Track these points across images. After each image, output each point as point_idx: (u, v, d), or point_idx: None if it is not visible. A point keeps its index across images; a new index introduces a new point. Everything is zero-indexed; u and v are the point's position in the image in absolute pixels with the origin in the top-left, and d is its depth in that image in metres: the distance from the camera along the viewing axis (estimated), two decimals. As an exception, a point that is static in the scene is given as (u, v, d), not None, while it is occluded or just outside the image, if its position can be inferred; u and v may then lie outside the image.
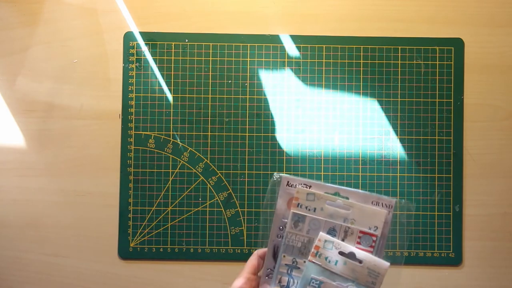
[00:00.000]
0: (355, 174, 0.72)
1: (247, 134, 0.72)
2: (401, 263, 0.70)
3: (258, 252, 0.56)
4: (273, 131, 0.73)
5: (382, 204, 0.56)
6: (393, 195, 0.71)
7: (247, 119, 0.73)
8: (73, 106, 0.73)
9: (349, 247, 0.55)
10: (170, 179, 0.73)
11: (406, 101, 0.72)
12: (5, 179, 0.73)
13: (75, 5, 0.74)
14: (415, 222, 0.71)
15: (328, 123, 0.73)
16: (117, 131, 0.73)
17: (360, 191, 0.56)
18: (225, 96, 0.72)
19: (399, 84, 0.72)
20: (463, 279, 0.72)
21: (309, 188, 0.57)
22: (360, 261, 0.55)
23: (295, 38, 0.73)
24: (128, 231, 0.72)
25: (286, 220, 0.57)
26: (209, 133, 0.72)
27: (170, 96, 0.73)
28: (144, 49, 0.73)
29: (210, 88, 0.73)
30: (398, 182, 0.72)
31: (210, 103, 0.73)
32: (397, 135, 0.72)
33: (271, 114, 0.73)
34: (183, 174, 0.72)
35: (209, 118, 0.72)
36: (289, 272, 0.59)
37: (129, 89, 0.73)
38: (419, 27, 0.73)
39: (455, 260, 0.71)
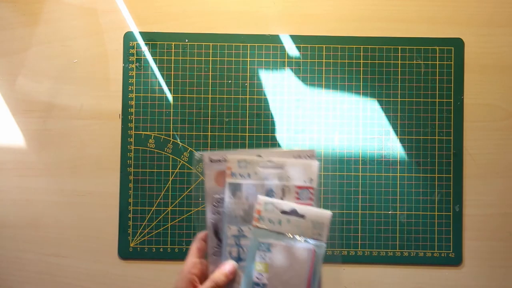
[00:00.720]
0: (355, 174, 0.72)
1: (247, 134, 0.72)
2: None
3: (199, 236, 0.55)
4: (273, 131, 0.73)
5: (305, 156, 0.56)
6: (393, 195, 0.71)
7: (247, 119, 0.73)
8: (73, 106, 0.73)
9: (289, 204, 0.55)
10: (170, 179, 0.72)
11: (406, 101, 0.72)
12: (5, 179, 0.73)
13: (75, 5, 0.74)
14: (415, 222, 0.71)
15: (328, 123, 0.73)
16: (117, 131, 0.73)
17: (279, 149, 0.57)
18: (225, 96, 0.72)
19: (399, 84, 0.72)
20: (463, 279, 0.72)
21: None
22: (303, 216, 0.55)
23: (295, 38, 0.73)
24: (128, 231, 0.72)
25: (218, 196, 0.57)
26: (209, 133, 0.72)
27: (170, 96, 0.73)
28: (144, 49, 0.73)
29: (210, 88, 0.73)
30: (398, 182, 0.72)
31: (210, 103, 0.73)
32: (397, 135, 0.72)
33: (271, 114, 0.73)
34: (183, 174, 0.72)
35: (209, 118, 0.72)
36: (237, 242, 0.58)
37: (129, 89, 0.73)
38: (419, 27, 0.73)
39: (455, 260, 0.71)
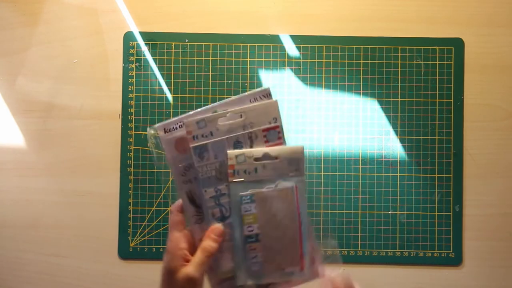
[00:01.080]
0: (355, 174, 0.72)
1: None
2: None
3: (174, 208, 0.54)
4: (273, 131, 0.72)
5: (260, 96, 0.55)
6: (393, 195, 0.71)
7: (247, 119, 0.72)
8: (73, 106, 0.73)
9: (260, 150, 0.54)
10: (170, 179, 0.72)
11: (406, 101, 0.72)
12: (5, 179, 0.73)
13: (75, 5, 0.74)
14: (415, 222, 0.71)
15: (328, 123, 0.72)
16: (117, 131, 0.73)
17: (233, 98, 0.56)
18: (225, 96, 0.72)
19: (399, 84, 0.72)
20: (463, 279, 0.72)
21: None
22: (277, 157, 0.54)
23: (295, 38, 0.73)
24: (128, 231, 0.72)
25: (183, 164, 0.56)
26: (209, 133, 0.72)
27: (170, 96, 0.73)
28: (144, 49, 0.73)
29: (210, 88, 0.73)
30: (398, 182, 0.72)
31: (210, 103, 0.72)
32: (397, 135, 0.72)
33: (271, 114, 0.72)
34: (183, 174, 0.72)
35: (209, 118, 0.72)
36: (217, 202, 0.57)
37: (129, 89, 0.73)
38: (419, 27, 0.73)
39: (455, 260, 0.71)
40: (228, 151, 0.55)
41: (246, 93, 0.55)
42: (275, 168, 0.55)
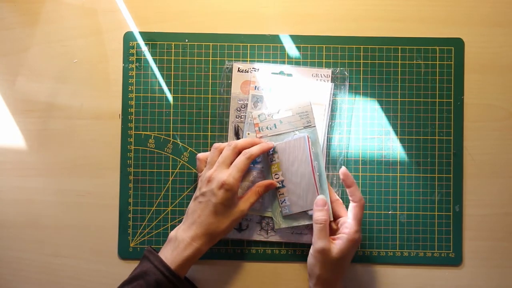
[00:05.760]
0: (355, 174, 0.72)
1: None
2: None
3: (252, 154, 0.64)
4: (273, 131, 0.72)
5: (321, 74, 0.68)
6: (393, 195, 0.71)
7: (247, 119, 0.72)
8: (73, 106, 0.73)
9: (275, 108, 0.67)
10: (170, 179, 0.72)
11: (406, 101, 0.72)
12: (5, 179, 0.73)
13: (75, 5, 0.74)
14: (415, 222, 0.71)
15: (327, 123, 0.72)
16: (117, 131, 0.73)
17: (300, 67, 0.69)
18: (224, 96, 0.72)
19: (399, 84, 0.72)
20: (463, 279, 0.72)
21: (257, 70, 0.69)
22: (289, 111, 0.66)
23: (295, 38, 0.73)
24: (128, 231, 0.72)
25: (241, 102, 0.68)
26: (209, 133, 0.72)
27: (170, 96, 0.73)
28: (144, 49, 0.73)
29: (210, 88, 0.73)
30: (398, 182, 0.72)
31: (210, 103, 0.73)
32: (397, 135, 0.72)
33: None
34: (183, 174, 0.72)
35: (209, 118, 0.72)
36: None
37: (129, 89, 0.73)
38: (419, 27, 0.73)
39: (455, 260, 0.71)
40: (252, 112, 0.67)
41: (313, 68, 0.68)
42: (290, 123, 0.66)
